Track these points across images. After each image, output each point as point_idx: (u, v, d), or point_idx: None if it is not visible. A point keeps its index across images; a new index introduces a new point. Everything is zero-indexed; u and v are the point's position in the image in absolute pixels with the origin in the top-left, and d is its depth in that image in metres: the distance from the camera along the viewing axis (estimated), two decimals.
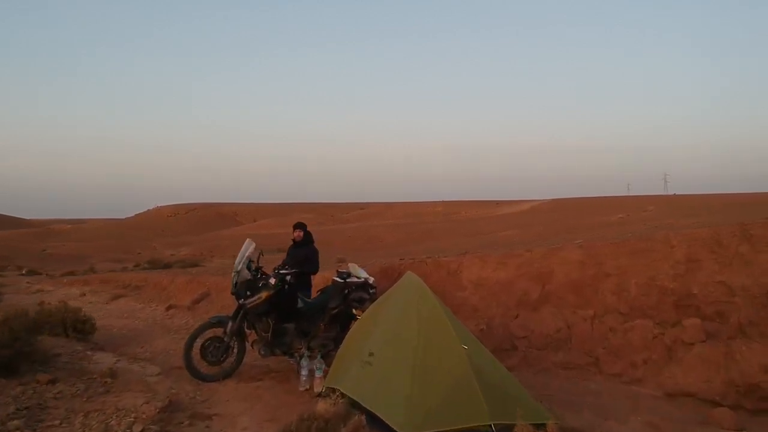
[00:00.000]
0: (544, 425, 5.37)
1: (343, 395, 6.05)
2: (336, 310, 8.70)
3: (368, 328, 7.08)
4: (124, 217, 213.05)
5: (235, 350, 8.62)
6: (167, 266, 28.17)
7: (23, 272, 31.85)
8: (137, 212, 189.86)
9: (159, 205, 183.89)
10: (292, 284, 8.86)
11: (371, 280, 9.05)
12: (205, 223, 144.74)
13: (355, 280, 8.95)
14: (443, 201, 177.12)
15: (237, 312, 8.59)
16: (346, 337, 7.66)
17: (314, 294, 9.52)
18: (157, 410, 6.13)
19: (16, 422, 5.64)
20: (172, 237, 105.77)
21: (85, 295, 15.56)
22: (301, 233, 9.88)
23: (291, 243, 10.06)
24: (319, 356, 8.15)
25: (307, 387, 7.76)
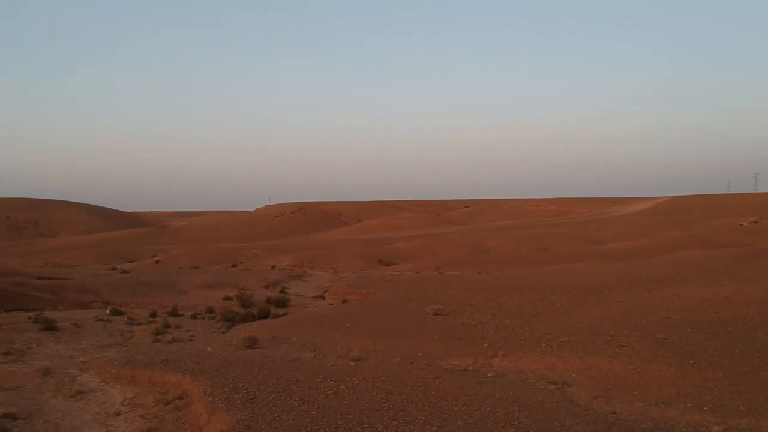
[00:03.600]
0: None
1: None
2: None
3: None
4: (244, 209, 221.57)
5: None
6: (252, 318, 25.90)
7: (108, 311, 30.23)
8: (254, 205, 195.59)
9: (269, 204, 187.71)
10: None
11: None
12: (309, 223, 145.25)
13: None
14: (554, 198, 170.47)
15: None
16: None
17: None
18: None
19: None
20: (275, 239, 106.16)
21: (119, 414, 12.96)
22: None
23: None
24: None
25: None
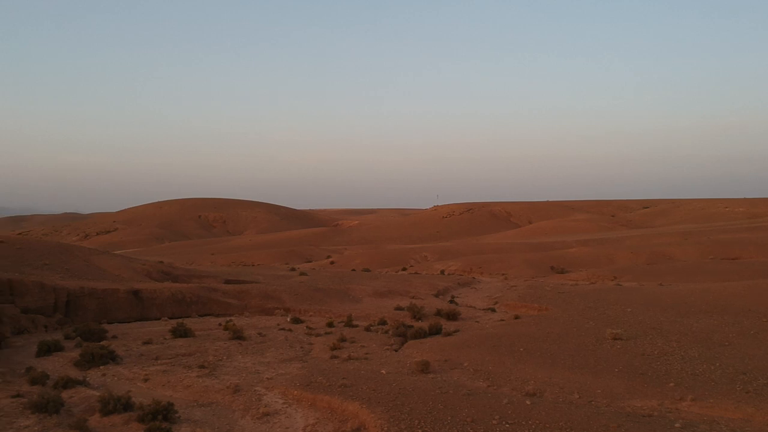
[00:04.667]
0: None
1: None
2: None
3: None
4: (412, 207, 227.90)
5: None
6: (424, 335, 26.03)
7: (289, 319, 32.03)
8: (423, 203, 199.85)
9: (437, 204, 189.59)
10: None
11: None
12: (478, 224, 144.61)
13: None
14: (744, 198, 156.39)
15: None
16: None
17: None
18: None
19: None
20: (443, 241, 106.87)
21: None
22: None
23: None
24: None
25: None
